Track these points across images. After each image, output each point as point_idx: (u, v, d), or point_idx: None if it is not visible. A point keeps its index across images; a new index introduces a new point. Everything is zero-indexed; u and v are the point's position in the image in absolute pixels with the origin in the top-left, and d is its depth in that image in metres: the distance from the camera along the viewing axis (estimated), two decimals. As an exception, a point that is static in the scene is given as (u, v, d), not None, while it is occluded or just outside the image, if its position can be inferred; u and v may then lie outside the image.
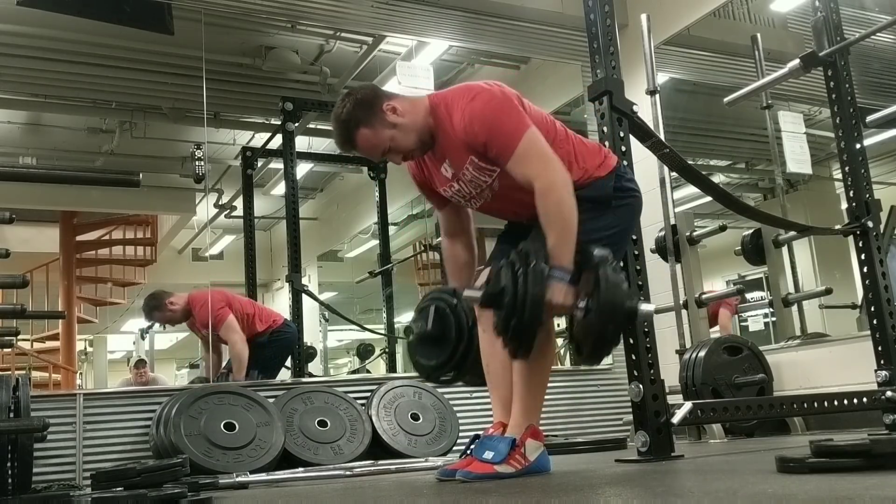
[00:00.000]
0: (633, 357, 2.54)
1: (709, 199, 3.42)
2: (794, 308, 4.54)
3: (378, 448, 3.73)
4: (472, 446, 2.23)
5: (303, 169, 5.92)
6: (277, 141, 5.51)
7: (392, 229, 6.04)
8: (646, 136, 2.78)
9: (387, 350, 6.38)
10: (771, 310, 4.88)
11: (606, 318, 2.04)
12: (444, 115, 2.24)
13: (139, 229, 7.29)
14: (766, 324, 5.42)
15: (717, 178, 5.61)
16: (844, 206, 3.35)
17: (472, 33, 4.99)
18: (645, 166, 3.45)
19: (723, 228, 4.09)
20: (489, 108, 2.16)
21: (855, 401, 2.95)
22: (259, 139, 5.95)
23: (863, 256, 3.17)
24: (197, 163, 4.84)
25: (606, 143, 2.65)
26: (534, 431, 2.20)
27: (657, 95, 4.09)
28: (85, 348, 7.74)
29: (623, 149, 2.65)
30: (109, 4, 4.63)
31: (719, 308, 4.84)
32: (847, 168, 3.24)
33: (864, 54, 4.83)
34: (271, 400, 3.78)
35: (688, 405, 2.53)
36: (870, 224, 3.14)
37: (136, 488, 2.34)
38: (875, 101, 4.45)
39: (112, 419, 3.63)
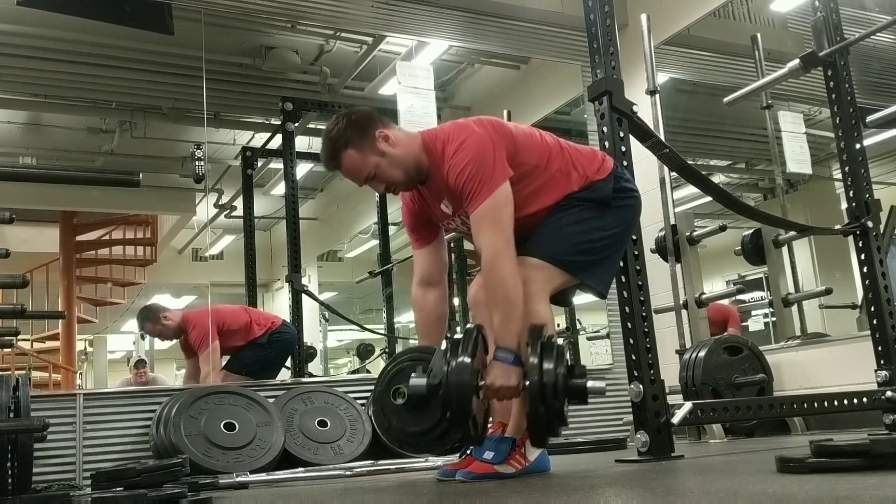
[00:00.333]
0: (634, 357, 2.54)
1: (709, 199, 3.42)
2: (794, 308, 4.54)
3: (378, 448, 3.71)
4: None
5: (303, 169, 5.91)
6: (277, 141, 5.51)
7: (392, 229, 6.03)
8: (646, 136, 2.78)
9: (387, 350, 6.36)
10: (771, 310, 4.87)
11: (534, 398, 1.97)
12: (438, 156, 2.22)
13: (139, 229, 7.29)
14: (766, 324, 5.42)
15: (717, 178, 5.60)
16: (844, 206, 3.35)
17: (472, 33, 4.98)
18: (645, 166, 3.44)
19: (723, 228, 4.09)
20: (472, 162, 2.13)
21: (855, 401, 2.95)
22: (259, 139, 5.94)
23: (863, 256, 3.18)
24: (197, 163, 4.83)
25: (606, 144, 2.65)
26: (534, 432, 2.19)
27: (657, 95, 4.09)
28: (85, 348, 7.74)
29: (623, 149, 2.65)
30: (109, 4, 4.62)
31: (728, 319, 4.83)
32: (847, 168, 3.24)
33: (864, 54, 4.82)
34: (271, 400, 3.77)
35: (688, 405, 2.53)
36: (870, 224, 3.15)
37: (136, 488, 2.35)
38: (875, 101, 4.43)
39: (112, 419, 3.63)
